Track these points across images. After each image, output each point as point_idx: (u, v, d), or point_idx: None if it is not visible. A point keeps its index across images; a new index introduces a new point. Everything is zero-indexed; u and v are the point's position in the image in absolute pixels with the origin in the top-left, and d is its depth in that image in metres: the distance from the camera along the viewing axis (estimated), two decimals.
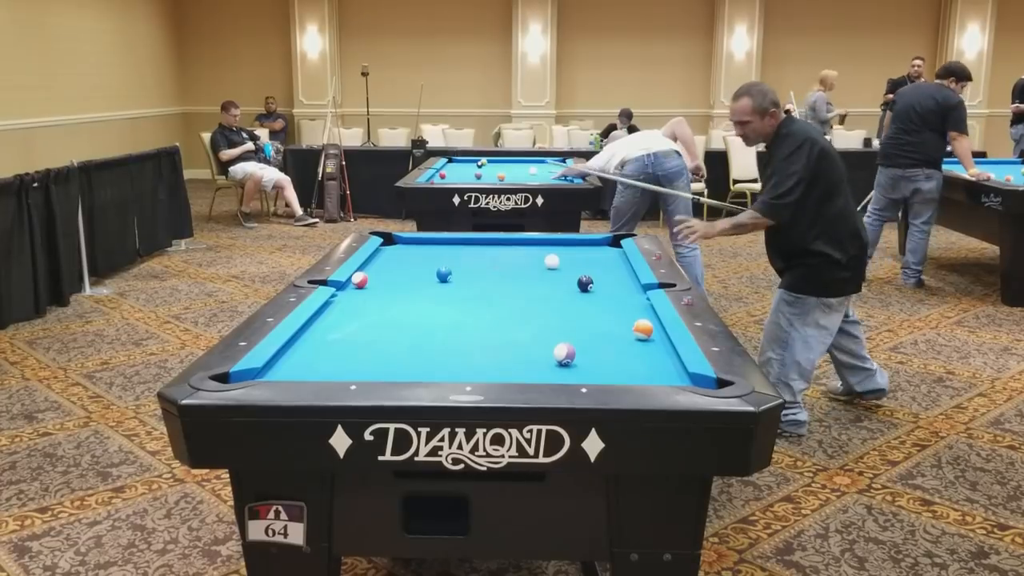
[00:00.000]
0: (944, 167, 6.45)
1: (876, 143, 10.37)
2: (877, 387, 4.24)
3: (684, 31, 12.81)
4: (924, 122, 6.26)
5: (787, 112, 3.96)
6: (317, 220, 9.51)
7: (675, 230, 3.85)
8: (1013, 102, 10.01)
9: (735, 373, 2.14)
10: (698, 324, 2.58)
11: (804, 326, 3.83)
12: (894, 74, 11.71)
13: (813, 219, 3.70)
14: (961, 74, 6.46)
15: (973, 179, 6.33)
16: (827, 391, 4.46)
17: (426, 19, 12.79)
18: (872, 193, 6.81)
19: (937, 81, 6.53)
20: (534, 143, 11.37)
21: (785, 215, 3.68)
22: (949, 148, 6.37)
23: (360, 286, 3.17)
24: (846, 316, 4.02)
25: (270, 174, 9.52)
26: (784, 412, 3.80)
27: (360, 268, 3.42)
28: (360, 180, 9.82)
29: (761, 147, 4.11)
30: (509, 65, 12.73)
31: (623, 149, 5.90)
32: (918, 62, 10.92)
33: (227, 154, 9.46)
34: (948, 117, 6.23)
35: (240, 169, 9.49)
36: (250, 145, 9.64)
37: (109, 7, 11.18)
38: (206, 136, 9.82)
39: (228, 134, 9.60)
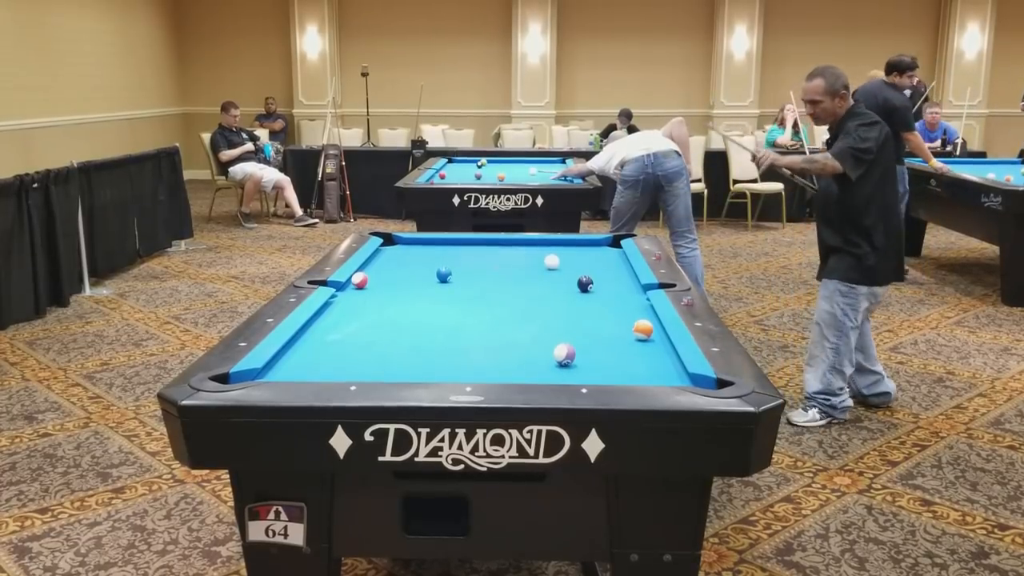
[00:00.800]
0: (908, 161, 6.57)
1: None
2: (885, 391, 4.30)
3: (684, 31, 12.81)
4: None
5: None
6: (317, 220, 9.51)
7: (752, 160, 4.01)
8: None
9: (735, 373, 2.13)
10: (698, 324, 2.57)
11: (856, 314, 4.00)
12: None
13: (872, 195, 3.86)
14: (901, 66, 6.32)
15: (936, 171, 6.53)
16: None
17: (426, 19, 12.79)
18: None
19: (882, 79, 6.41)
20: (534, 143, 11.37)
21: (859, 169, 3.80)
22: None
23: (360, 287, 3.17)
24: None
25: (270, 175, 9.51)
26: (839, 399, 4.05)
27: (360, 269, 3.41)
28: (360, 180, 9.81)
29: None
30: (509, 65, 12.73)
31: (623, 149, 5.90)
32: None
33: (227, 155, 9.45)
34: (892, 120, 5.89)
35: (240, 170, 9.45)
36: (250, 146, 9.61)
37: (109, 7, 11.18)
38: (206, 136, 9.82)
39: (228, 135, 9.58)
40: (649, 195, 5.79)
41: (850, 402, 4.14)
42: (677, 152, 5.85)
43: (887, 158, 3.88)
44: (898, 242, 3.99)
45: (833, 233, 4.01)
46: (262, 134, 10.70)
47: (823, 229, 4.10)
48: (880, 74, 6.54)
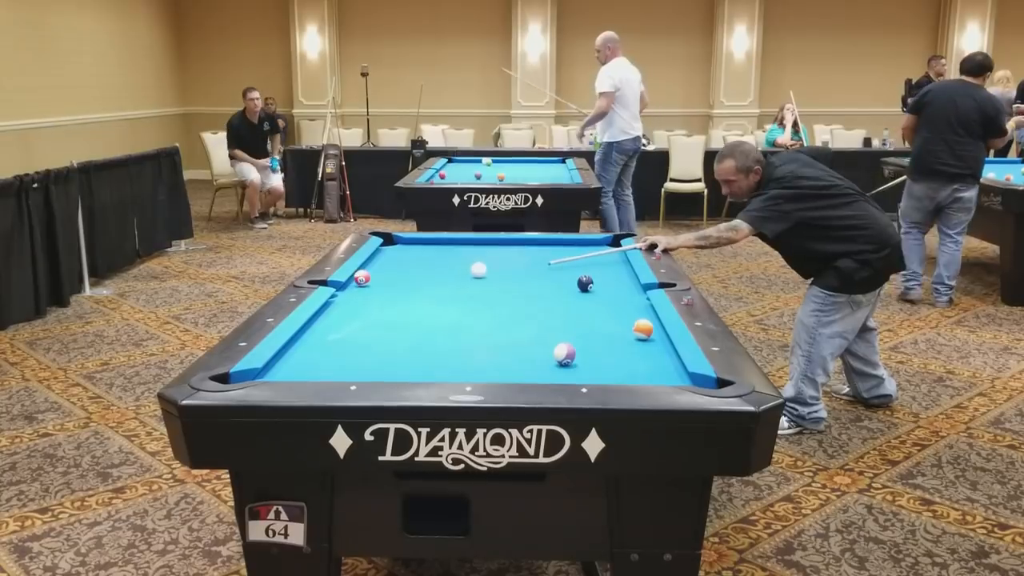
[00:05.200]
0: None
1: (879, 144, 10.38)
2: (885, 393, 4.27)
3: (684, 31, 12.80)
4: (967, 129, 5.69)
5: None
6: (266, 226, 9.37)
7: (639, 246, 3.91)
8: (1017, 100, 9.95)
9: (735, 373, 2.14)
10: (698, 324, 2.58)
11: (833, 323, 3.93)
12: (893, 74, 11.71)
13: (828, 237, 3.81)
14: (991, 66, 5.97)
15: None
16: (832, 391, 4.46)
17: (426, 19, 12.78)
18: (902, 203, 6.20)
19: (966, 79, 5.88)
20: (534, 143, 11.37)
21: (774, 224, 3.79)
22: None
23: (365, 282, 3.18)
24: (865, 323, 4.08)
25: (270, 182, 9.43)
26: (809, 410, 3.97)
27: (360, 268, 3.42)
28: (360, 180, 9.81)
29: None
30: (509, 65, 12.73)
31: (625, 119, 7.25)
32: (943, 61, 10.86)
33: (232, 153, 9.36)
34: (995, 123, 5.70)
35: (242, 170, 9.34)
36: (253, 171, 9.30)
37: (109, 7, 11.18)
38: (206, 136, 9.82)
39: (241, 130, 9.27)
40: (624, 159, 7.38)
41: (823, 414, 4.01)
42: None
43: (824, 197, 3.79)
44: (882, 248, 3.83)
45: (807, 272, 4.07)
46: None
47: (799, 270, 4.14)
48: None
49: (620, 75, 7.31)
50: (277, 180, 9.58)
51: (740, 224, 3.83)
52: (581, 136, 8.10)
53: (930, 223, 6.12)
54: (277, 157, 9.78)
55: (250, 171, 9.30)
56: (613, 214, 7.53)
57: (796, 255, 4.03)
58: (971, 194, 5.85)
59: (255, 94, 9.36)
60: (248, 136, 9.35)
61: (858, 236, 3.81)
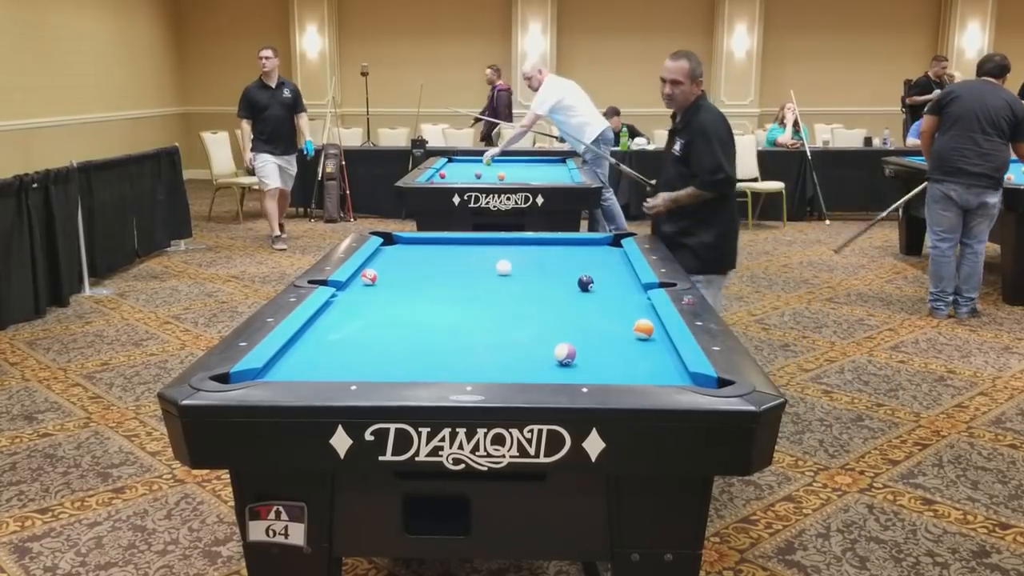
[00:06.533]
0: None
1: (880, 143, 10.37)
2: None
3: (684, 30, 12.79)
4: (996, 128, 5.52)
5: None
6: (286, 247, 8.21)
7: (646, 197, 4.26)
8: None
9: (736, 372, 2.13)
10: (699, 323, 2.57)
11: (715, 300, 4.03)
12: (893, 74, 11.70)
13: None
14: (1010, 68, 5.77)
15: None
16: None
17: (426, 19, 12.78)
18: (927, 214, 5.90)
19: (989, 80, 5.72)
20: (534, 143, 11.36)
21: (726, 189, 3.93)
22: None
23: (372, 280, 3.19)
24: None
25: (276, 183, 8.06)
26: None
27: (361, 268, 3.41)
28: (360, 180, 9.80)
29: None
30: (509, 65, 12.72)
31: (591, 115, 7.21)
32: (945, 64, 10.83)
33: (240, 129, 8.13)
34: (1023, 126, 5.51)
35: (264, 172, 8.01)
36: (275, 174, 7.98)
37: (109, 7, 11.17)
38: (206, 136, 9.81)
39: (253, 94, 7.92)
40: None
41: None
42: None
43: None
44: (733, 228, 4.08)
45: (673, 227, 4.09)
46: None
47: (663, 224, 4.13)
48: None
49: (558, 87, 7.17)
50: (288, 180, 8.33)
51: (721, 178, 3.86)
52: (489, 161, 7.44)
53: (960, 231, 5.74)
54: (311, 139, 8.44)
55: (272, 173, 8.00)
56: (618, 209, 7.59)
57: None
58: (996, 199, 5.65)
59: (266, 52, 7.97)
60: (263, 101, 7.91)
61: (727, 210, 4.04)
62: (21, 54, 9.32)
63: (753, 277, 7.09)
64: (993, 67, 5.73)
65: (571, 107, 7.14)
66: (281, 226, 8.37)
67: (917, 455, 3.79)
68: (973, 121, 5.55)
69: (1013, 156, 5.67)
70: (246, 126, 8.04)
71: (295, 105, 8.13)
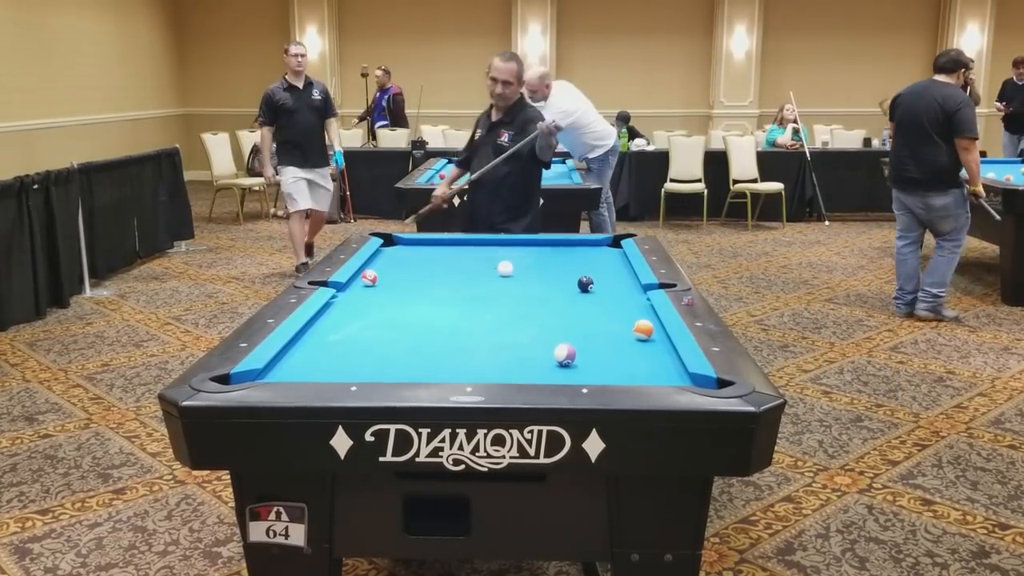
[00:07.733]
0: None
1: (879, 145, 10.38)
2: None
3: (684, 31, 12.80)
4: (933, 129, 5.43)
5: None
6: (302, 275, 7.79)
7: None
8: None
9: (735, 373, 2.14)
10: (698, 324, 2.58)
11: None
12: (894, 74, 11.67)
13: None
14: (966, 62, 5.64)
15: (974, 193, 5.57)
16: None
17: (426, 20, 12.78)
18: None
19: (936, 78, 5.60)
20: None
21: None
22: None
23: (372, 282, 3.19)
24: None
25: (304, 203, 6.82)
26: None
27: (361, 269, 3.42)
28: (360, 181, 9.81)
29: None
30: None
31: (604, 127, 7.08)
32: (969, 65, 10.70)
33: (261, 138, 7.08)
34: (952, 121, 5.36)
35: (290, 190, 6.80)
36: (305, 192, 6.80)
37: (109, 8, 11.18)
38: (206, 137, 9.81)
39: (276, 96, 6.69)
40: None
41: None
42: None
43: None
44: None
45: (508, 211, 4.50)
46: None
47: (501, 210, 4.50)
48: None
49: (570, 97, 6.83)
50: (323, 198, 7.02)
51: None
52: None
53: (920, 232, 5.80)
54: (340, 149, 7.29)
55: (300, 191, 6.75)
56: (608, 227, 7.18)
57: (515, 184, 4.47)
58: (943, 201, 5.51)
59: (299, 47, 6.86)
60: (290, 105, 6.69)
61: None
62: (22, 55, 9.33)
63: (752, 278, 7.09)
64: (947, 62, 5.60)
65: (586, 125, 6.83)
66: (309, 248, 7.09)
67: (916, 456, 3.80)
68: (909, 127, 5.57)
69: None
70: (267, 134, 6.81)
71: (326, 109, 6.93)
